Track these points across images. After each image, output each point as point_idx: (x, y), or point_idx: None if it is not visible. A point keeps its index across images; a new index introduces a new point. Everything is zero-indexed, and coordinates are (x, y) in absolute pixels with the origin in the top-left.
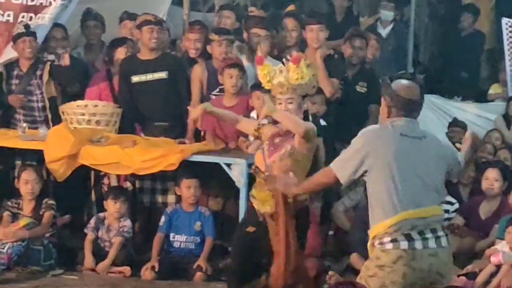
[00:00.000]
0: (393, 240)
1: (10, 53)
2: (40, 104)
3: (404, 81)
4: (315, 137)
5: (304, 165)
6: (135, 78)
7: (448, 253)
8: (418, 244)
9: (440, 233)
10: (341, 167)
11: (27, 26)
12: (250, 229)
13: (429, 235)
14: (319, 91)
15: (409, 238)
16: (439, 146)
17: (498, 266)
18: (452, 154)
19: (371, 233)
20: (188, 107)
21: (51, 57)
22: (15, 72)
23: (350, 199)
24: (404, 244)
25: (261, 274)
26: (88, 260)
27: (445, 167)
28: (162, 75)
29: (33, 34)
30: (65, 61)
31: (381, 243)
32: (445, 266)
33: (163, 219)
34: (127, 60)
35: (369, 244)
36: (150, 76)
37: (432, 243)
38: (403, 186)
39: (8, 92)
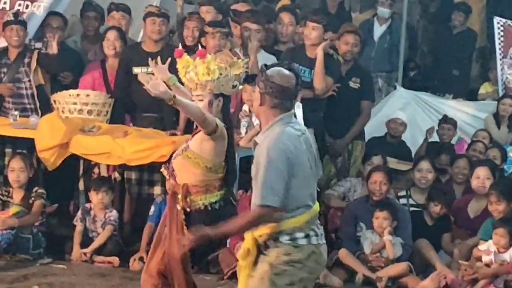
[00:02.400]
0: (306, 236)
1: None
2: (29, 92)
3: (280, 69)
4: (223, 137)
5: (205, 169)
6: (136, 70)
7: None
8: (320, 239)
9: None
10: (273, 196)
11: (16, 14)
12: None
13: (320, 230)
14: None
15: (316, 233)
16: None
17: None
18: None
19: (271, 228)
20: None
21: (38, 45)
22: (3, 61)
23: (340, 186)
24: (314, 239)
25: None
26: (76, 252)
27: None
28: None
29: (22, 23)
30: (53, 49)
31: (292, 239)
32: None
33: (152, 209)
34: (130, 49)
35: (261, 240)
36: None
37: (323, 238)
38: (308, 183)
39: None
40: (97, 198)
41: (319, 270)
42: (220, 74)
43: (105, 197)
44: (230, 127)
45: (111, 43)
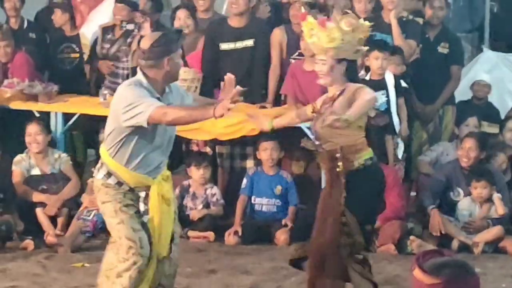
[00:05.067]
0: None
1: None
2: (125, 72)
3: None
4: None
5: (357, 128)
6: (223, 46)
7: None
8: None
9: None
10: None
11: None
12: None
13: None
14: (398, 51)
15: None
16: (117, 98)
17: None
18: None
19: None
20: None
21: (130, 26)
22: (109, 36)
23: (432, 151)
24: None
25: None
26: None
27: (115, 119)
28: (250, 42)
29: (134, 4)
30: (145, 31)
31: None
32: None
33: (245, 181)
34: (215, 24)
35: None
36: (239, 44)
37: None
38: None
39: (100, 56)
40: (198, 173)
41: None
42: (342, 40)
43: (206, 173)
44: None
45: (182, 22)
